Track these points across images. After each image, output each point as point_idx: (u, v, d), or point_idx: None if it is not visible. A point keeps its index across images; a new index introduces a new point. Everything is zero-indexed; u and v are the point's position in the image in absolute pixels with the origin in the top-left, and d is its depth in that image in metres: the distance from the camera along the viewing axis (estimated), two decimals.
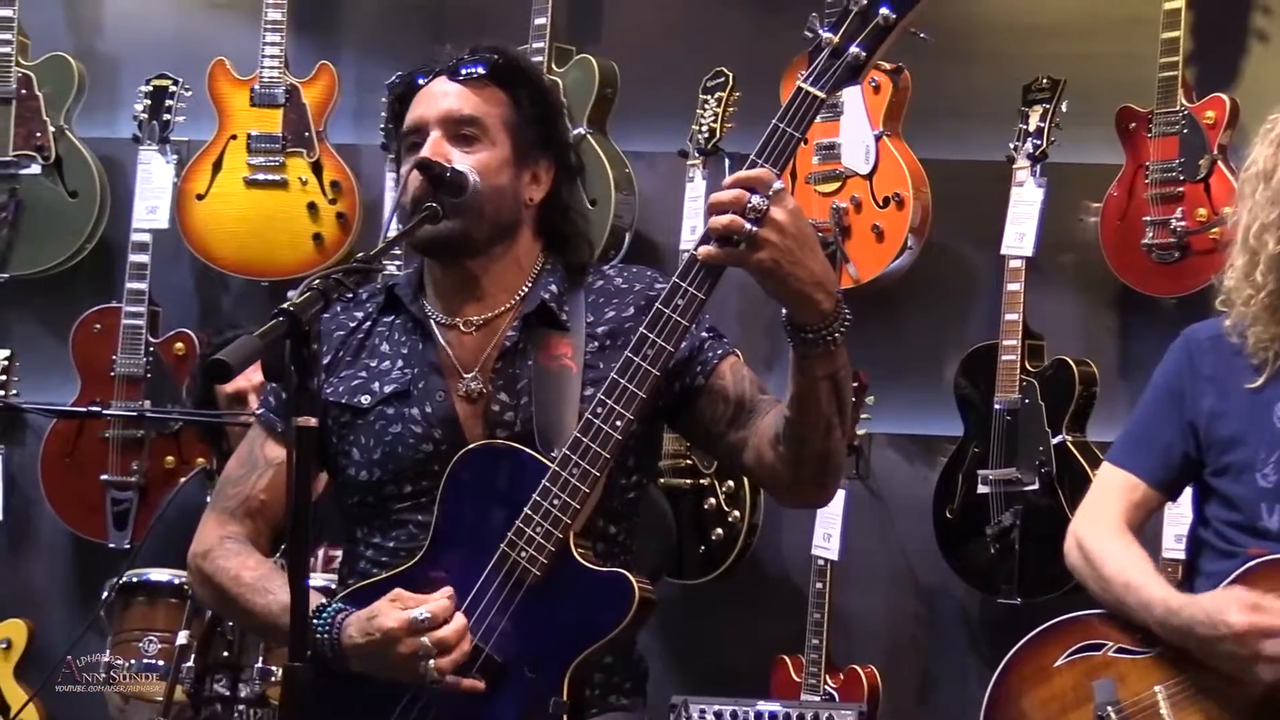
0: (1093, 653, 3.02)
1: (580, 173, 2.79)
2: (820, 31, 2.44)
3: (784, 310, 2.43)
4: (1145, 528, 3.17)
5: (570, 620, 2.49)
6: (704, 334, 2.67)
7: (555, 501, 2.48)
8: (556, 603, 2.49)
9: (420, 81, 2.70)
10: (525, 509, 2.49)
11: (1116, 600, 3.03)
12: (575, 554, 2.49)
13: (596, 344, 2.66)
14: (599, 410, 2.48)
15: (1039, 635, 3.10)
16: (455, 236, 2.62)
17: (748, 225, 2.34)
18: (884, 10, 2.42)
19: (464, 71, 2.68)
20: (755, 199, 2.35)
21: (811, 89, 2.43)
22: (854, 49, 2.42)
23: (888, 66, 2.47)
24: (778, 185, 2.36)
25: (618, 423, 2.47)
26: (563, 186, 2.74)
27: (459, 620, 2.46)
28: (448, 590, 2.48)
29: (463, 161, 2.62)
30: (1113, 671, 2.99)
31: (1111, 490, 3.14)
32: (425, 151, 2.62)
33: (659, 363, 2.47)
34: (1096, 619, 3.06)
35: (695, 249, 2.44)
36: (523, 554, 2.49)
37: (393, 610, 2.46)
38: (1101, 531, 3.09)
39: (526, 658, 2.49)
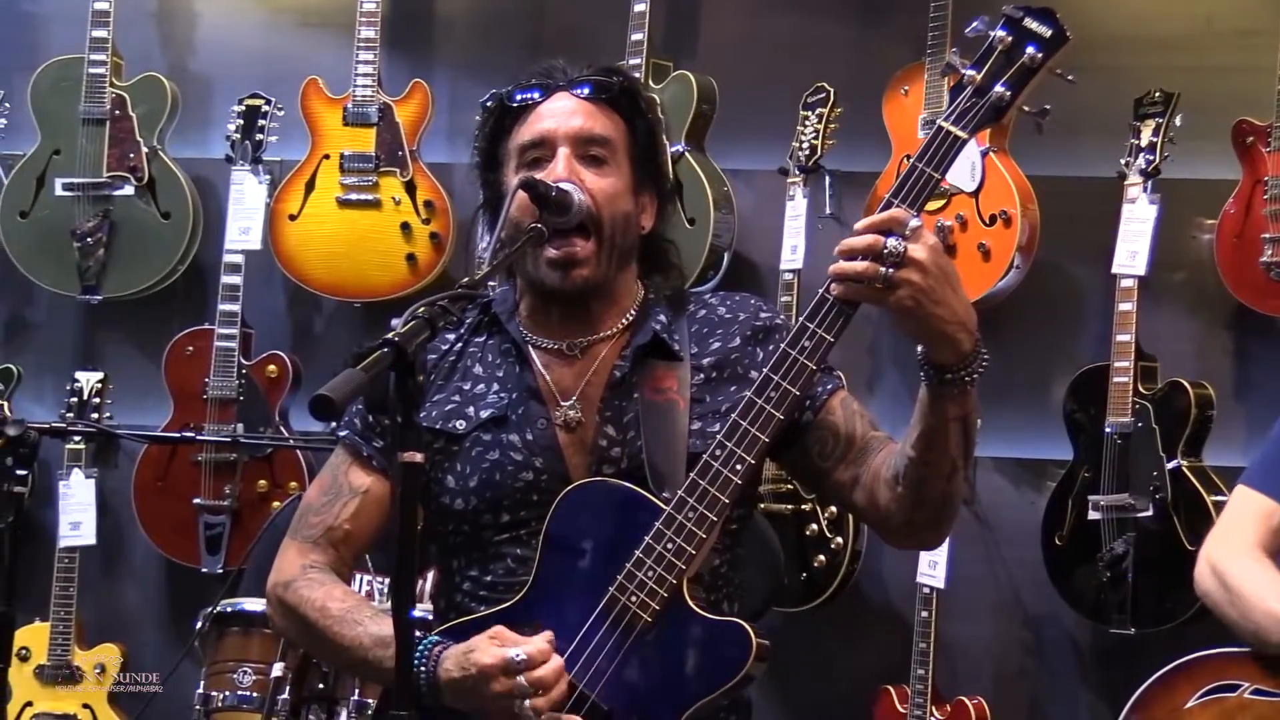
0: (1227, 694, 2.90)
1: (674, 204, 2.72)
2: (963, 69, 2.35)
3: (920, 349, 2.33)
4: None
5: (683, 670, 2.39)
6: None
7: (669, 546, 2.38)
8: (669, 651, 2.39)
9: (533, 96, 2.60)
10: (637, 552, 2.39)
11: (1254, 627, 2.90)
12: (689, 600, 2.39)
13: (703, 376, 2.57)
14: (718, 453, 2.38)
15: (1169, 673, 2.99)
16: (594, 284, 2.56)
17: (883, 270, 2.25)
18: (1030, 50, 2.34)
19: (588, 90, 2.59)
20: (891, 242, 2.25)
21: (953, 128, 2.34)
22: (999, 88, 2.35)
23: (1031, 109, 2.39)
24: (914, 223, 2.26)
25: (738, 466, 2.38)
26: (662, 220, 2.68)
27: (556, 661, 2.37)
28: (547, 634, 2.39)
29: (594, 183, 2.54)
30: (1249, 714, 2.88)
31: (1246, 515, 3.02)
32: (558, 169, 2.54)
33: (783, 406, 2.37)
34: (1229, 658, 2.94)
35: (827, 288, 2.34)
36: (633, 599, 2.39)
37: (490, 647, 2.38)
38: (1238, 555, 2.97)
39: (635, 707, 2.40)
